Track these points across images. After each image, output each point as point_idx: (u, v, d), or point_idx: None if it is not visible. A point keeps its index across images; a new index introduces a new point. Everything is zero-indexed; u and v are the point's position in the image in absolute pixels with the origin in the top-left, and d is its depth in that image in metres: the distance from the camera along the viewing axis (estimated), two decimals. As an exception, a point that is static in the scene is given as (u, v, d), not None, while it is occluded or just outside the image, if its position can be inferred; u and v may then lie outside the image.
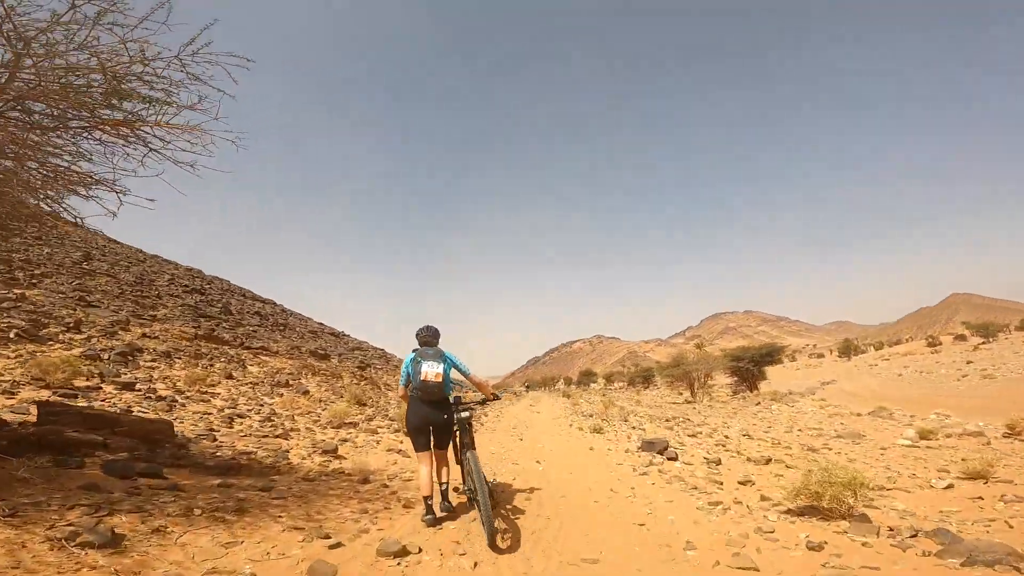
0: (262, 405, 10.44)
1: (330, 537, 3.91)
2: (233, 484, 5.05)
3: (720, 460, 7.27)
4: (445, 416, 4.69)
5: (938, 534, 3.99)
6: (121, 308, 16.23)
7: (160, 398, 8.61)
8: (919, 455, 8.53)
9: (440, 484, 4.87)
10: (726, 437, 10.28)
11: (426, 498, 4.58)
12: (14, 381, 7.35)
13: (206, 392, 10.31)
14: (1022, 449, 8.75)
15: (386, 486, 5.83)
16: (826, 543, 3.94)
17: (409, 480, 6.21)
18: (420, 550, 3.88)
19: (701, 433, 10.74)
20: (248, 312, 26.04)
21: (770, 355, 26.66)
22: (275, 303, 34.56)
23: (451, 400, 4.80)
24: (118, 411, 6.97)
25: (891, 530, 4.16)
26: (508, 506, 5.28)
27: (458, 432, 4.76)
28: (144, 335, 14.16)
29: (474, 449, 4.64)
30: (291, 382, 15.51)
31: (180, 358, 13.36)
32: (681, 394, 28.46)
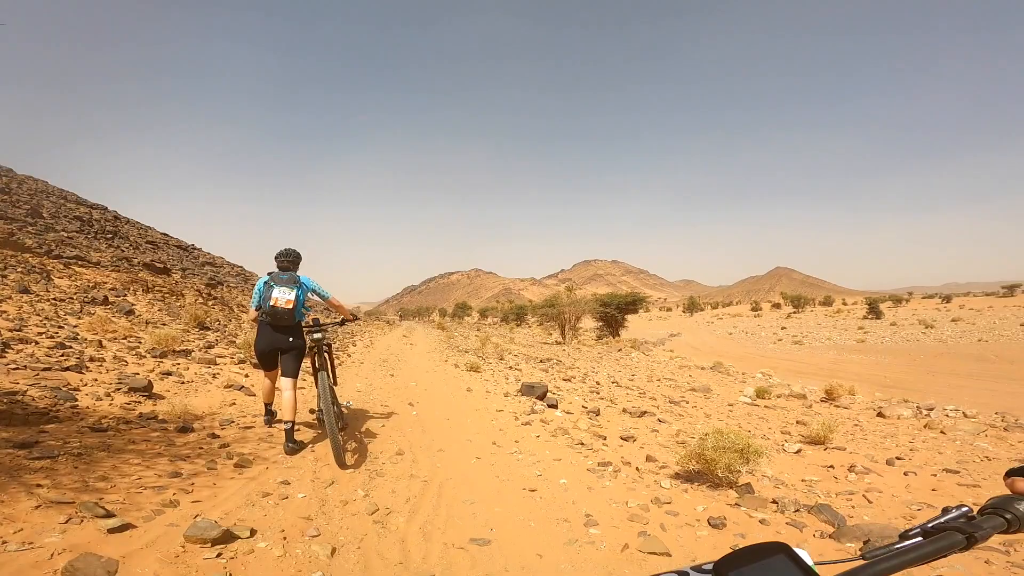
0: (61, 327, 8.19)
1: (114, 515, 2.71)
2: None
3: (599, 410, 6.97)
4: (292, 340, 4.58)
5: (821, 511, 3.85)
6: None
7: None
8: (760, 414, 8.99)
9: (285, 423, 4.48)
10: (597, 383, 10.24)
11: (267, 404, 4.83)
12: None
13: None
14: (840, 414, 9.60)
15: (215, 436, 4.55)
16: (725, 519, 3.57)
17: (250, 428, 4.98)
18: (253, 533, 2.83)
19: (575, 378, 10.61)
20: (66, 216, 21.25)
21: (634, 304, 28.25)
22: (107, 209, 28.73)
23: (303, 325, 4.73)
24: None
25: (775, 503, 3.96)
26: (378, 463, 4.36)
27: (315, 354, 4.64)
28: None
29: (327, 372, 4.58)
30: (111, 299, 12.80)
31: None
32: (551, 334, 29.31)
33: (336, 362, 7.32)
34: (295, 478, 3.80)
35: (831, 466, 5.45)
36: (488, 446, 5.05)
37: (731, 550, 0.62)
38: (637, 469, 4.65)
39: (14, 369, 5.26)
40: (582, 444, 5.27)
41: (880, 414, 9.21)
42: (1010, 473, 0.76)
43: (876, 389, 14.41)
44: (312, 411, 5.30)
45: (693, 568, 0.65)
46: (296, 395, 4.58)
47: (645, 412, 7.30)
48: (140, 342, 8.06)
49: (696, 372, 15.73)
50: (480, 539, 3.12)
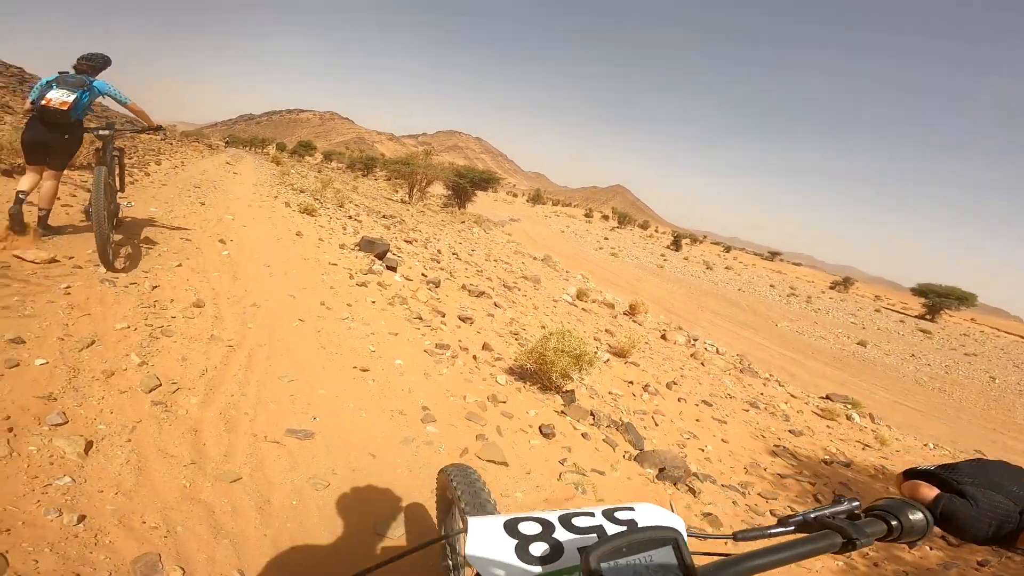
0: None
1: None
2: None
3: (439, 282, 6.50)
4: (66, 137, 4.16)
5: (628, 430, 4.04)
6: None
7: None
8: (578, 315, 9.42)
9: (41, 210, 4.17)
10: (438, 252, 9.74)
11: (20, 191, 3.99)
12: None
13: None
14: (637, 330, 10.20)
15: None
16: (554, 428, 3.48)
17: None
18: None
19: (416, 241, 9.95)
20: None
21: (488, 182, 27.67)
22: None
23: (82, 123, 4.30)
24: None
25: (592, 416, 4.04)
26: (165, 316, 3.35)
27: (98, 152, 4.07)
28: None
29: (106, 168, 3.95)
30: None
31: None
32: (397, 191, 27.66)
33: (127, 178, 5.80)
34: (36, 333, 2.66)
35: (631, 382, 5.86)
36: (315, 306, 4.29)
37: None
38: (475, 358, 4.38)
39: None
40: (420, 319, 4.80)
41: (664, 336, 10.43)
42: (909, 475, 0.67)
43: (663, 312, 16.43)
44: (86, 212, 4.67)
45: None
46: (56, 185, 4.24)
47: (483, 293, 7.07)
48: None
49: (528, 260, 16.13)
50: (301, 431, 2.54)
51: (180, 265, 4.34)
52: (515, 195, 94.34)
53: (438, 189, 28.19)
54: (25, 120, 4.18)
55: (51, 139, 4.10)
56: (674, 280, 29.04)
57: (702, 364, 8.79)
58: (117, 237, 4.60)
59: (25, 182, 4.10)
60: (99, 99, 4.36)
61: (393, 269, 6.30)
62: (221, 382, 2.77)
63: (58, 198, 4.51)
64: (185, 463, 2.10)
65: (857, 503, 0.63)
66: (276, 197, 10.05)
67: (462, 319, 5.36)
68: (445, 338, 4.56)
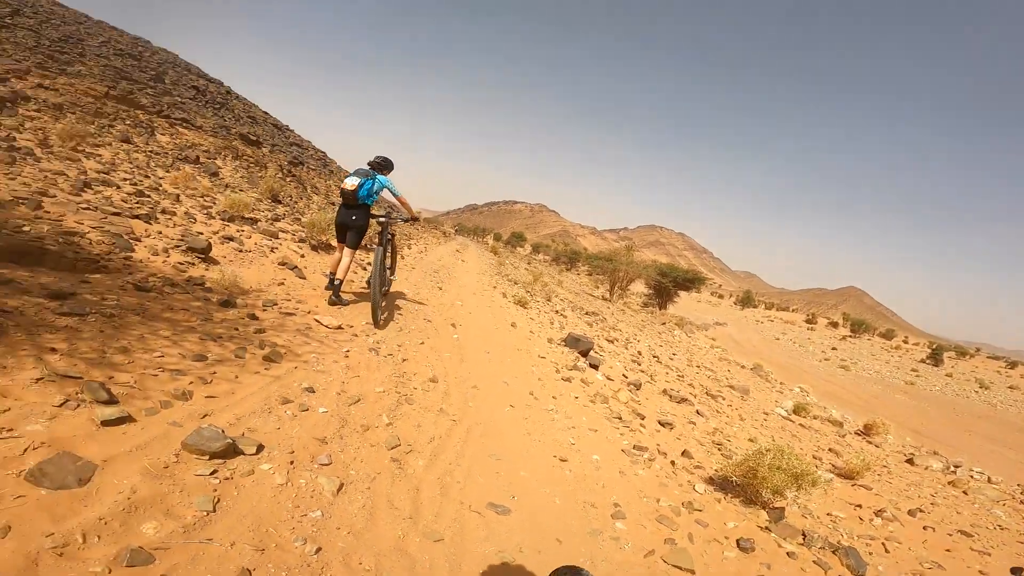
0: (147, 176, 8.19)
1: (116, 403, 2.34)
2: (13, 281, 3.23)
3: (640, 384, 6.40)
4: (355, 218, 5.40)
5: (848, 555, 3.31)
6: (27, 59, 12.49)
7: (12, 148, 6.27)
8: (794, 431, 8.20)
9: (336, 279, 5.60)
10: (639, 354, 9.59)
11: (331, 273, 5.64)
12: None
13: (81, 151, 7.89)
14: (872, 452, 8.60)
15: (254, 317, 4.27)
16: (754, 543, 3.07)
17: (291, 315, 4.69)
18: (260, 449, 2.46)
19: (617, 340, 10.00)
20: (185, 85, 21.49)
21: (692, 282, 26.77)
22: (222, 84, 29.00)
23: (369, 208, 5.55)
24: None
25: (804, 536, 3.39)
26: (409, 387, 3.99)
27: (379, 235, 5.73)
28: (40, 86, 11.03)
29: (383, 248, 5.49)
30: (203, 159, 12.93)
31: (75, 113, 10.61)
32: (598, 287, 28.48)
33: (398, 256, 7.50)
34: (321, 386, 3.46)
35: (858, 505, 4.86)
36: (524, 395, 4.62)
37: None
38: (672, 463, 4.15)
39: (84, 209, 5.13)
40: (620, 419, 4.77)
41: (910, 461, 8.33)
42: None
43: (909, 434, 13.21)
44: (367, 283, 5.98)
45: None
46: (351, 262, 5.60)
47: (685, 399, 6.68)
48: (214, 203, 7.95)
49: (735, 369, 14.73)
50: (500, 506, 2.71)
51: (423, 343, 5.15)
52: (721, 296, 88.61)
53: (639, 287, 28.24)
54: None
55: (347, 219, 5.39)
56: (929, 399, 23.28)
57: (964, 492, 6.73)
58: (383, 304, 5.96)
59: (333, 263, 5.59)
60: (381, 191, 5.58)
61: (595, 367, 6.42)
62: (443, 450, 3.14)
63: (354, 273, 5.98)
64: (404, 516, 2.40)
65: None
66: (495, 287, 11.29)
67: (662, 424, 5.14)
68: (643, 440, 4.44)
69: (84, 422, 2.17)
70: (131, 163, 8.78)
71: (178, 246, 5.23)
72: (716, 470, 4.21)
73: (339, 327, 4.74)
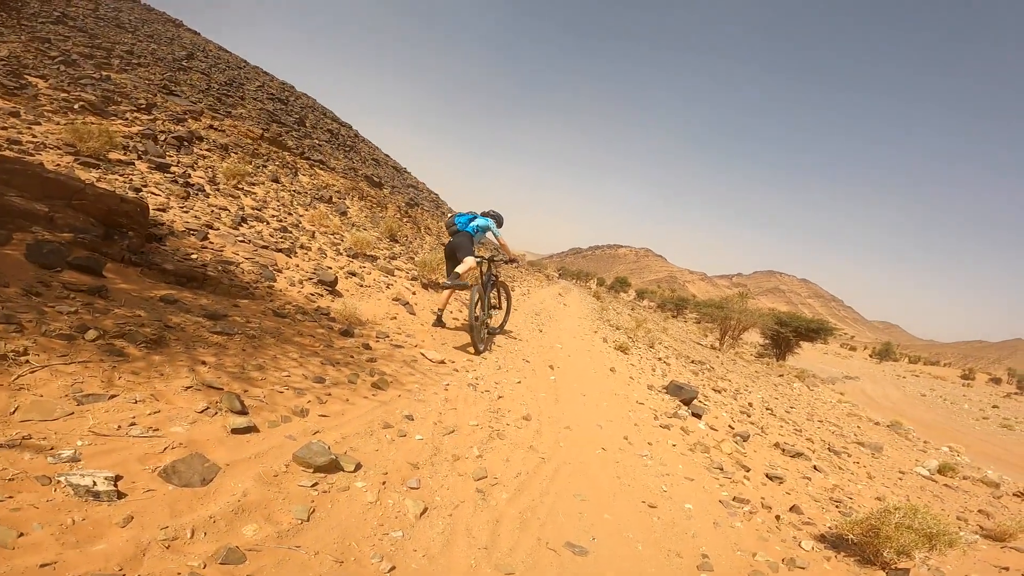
0: (290, 214, 9.39)
1: (246, 413, 2.70)
2: (179, 301, 3.85)
3: (748, 436, 5.86)
4: (456, 240, 6.13)
5: None
6: (200, 101, 15.22)
7: (187, 184, 7.59)
8: (936, 491, 6.96)
9: (438, 310, 6.54)
10: (749, 405, 8.83)
11: (439, 310, 6.45)
12: (40, 143, 6.22)
13: (241, 188, 9.29)
14: None
15: (368, 347, 4.66)
16: None
17: (400, 347, 5.04)
18: (358, 468, 2.66)
19: (725, 391, 9.30)
20: (321, 128, 24.71)
21: (817, 332, 24.23)
22: (351, 127, 32.92)
23: (471, 236, 6.19)
24: (127, 188, 5.82)
25: None
26: (503, 422, 4.07)
27: (480, 273, 6.45)
28: (210, 127, 13.29)
29: (481, 287, 6.19)
30: (335, 199, 14.56)
31: (237, 153, 12.57)
32: (707, 336, 26.84)
33: (510, 301, 7.85)
34: (420, 415, 3.67)
35: (1005, 568, 3.93)
36: (618, 439, 4.47)
37: None
38: (777, 517, 3.74)
39: (240, 241, 6.01)
40: (721, 469, 4.41)
41: None
42: None
43: None
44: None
45: None
46: (450, 294, 6.57)
47: (800, 454, 5.99)
48: (342, 240, 8.86)
49: (867, 426, 12.92)
50: (578, 546, 2.64)
51: (519, 383, 5.23)
52: (853, 348, 78.89)
53: (753, 336, 26.17)
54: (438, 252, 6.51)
55: (451, 249, 6.11)
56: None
57: None
58: (488, 337, 6.56)
59: (442, 299, 6.28)
60: (484, 231, 6.31)
61: (698, 416, 6.04)
62: (528, 486, 3.15)
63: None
64: (480, 546, 2.42)
65: None
66: (596, 332, 11.16)
67: (770, 477, 4.67)
68: (746, 493, 4.07)
69: (218, 428, 2.51)
70: (278, 201, 10.12)
71: (310, 278, 5.90)
72: (830, 527, 3.74)
73: (442, 361, 4.99)
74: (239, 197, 8.53)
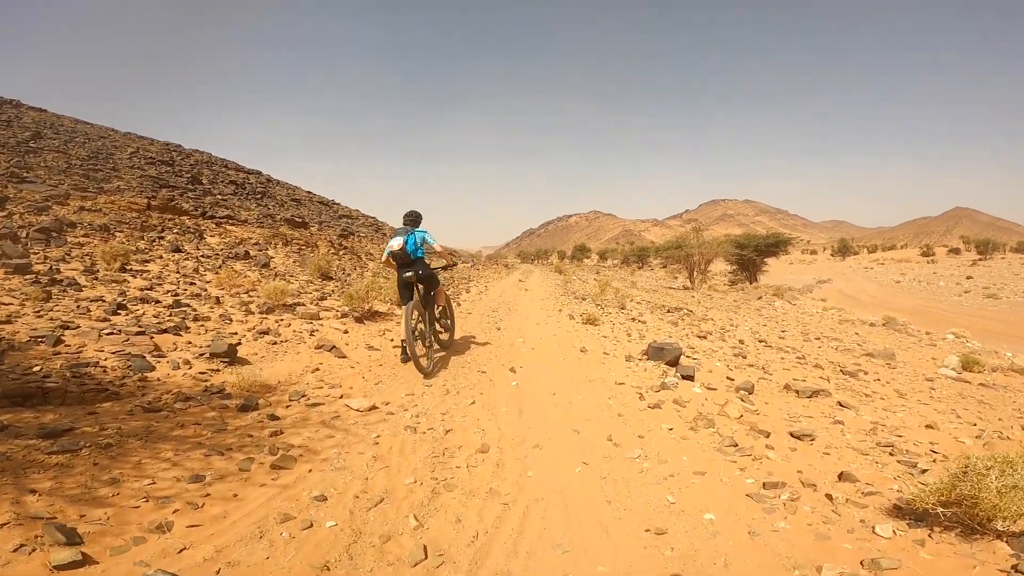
0: (193, 283, 8.30)
1: (78, 543, 2.10)
2: (10, 426, 3.05)
3: (752, 386, 5.19)
4: (420, 272, 5.56)
5: None
6: (62, 183, 13.60)
7: (53, 281, 6.48)
8: (978, 395, 6.42)
9: (438, 314, 6.23)
10: (741, 342, 8.26)
11: (403, 341, 5.41)
12: None
13: (129, 270, 8.15)
14: None
15: (274, 418, 3.74)
16: None
17: (318, 405, 4.12)
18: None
19: (711, 334, 8.71)
20: (223, 181, 23.05)
21: (776, 246, 24.29)
22: (261, 173, 31.12)
23: (422, 259, 5.66)
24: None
25: None
26: (451, 466, 3.24)
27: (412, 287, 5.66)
28: (82, 208, 11.81)
29: (422, 300, 5.75)
30: (253, 253, 13.36)
31: (122, 231, 11.21)
32: (676, 278, 26.66)
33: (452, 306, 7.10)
34: (337, 489, 2.79)
35: None
36: (601, 443, 3.66)
37: None
38: (828, 497, 2.97)
39: (109, 334, 4.94)
40: (735, 446, 3.67)
41: None
42: None
43: None
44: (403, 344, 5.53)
45: None
46: (443, 295, 6.23)
47: (818, 391, 5.34)
48: (256, 296, 7.83)
49: (864, 329, 12.70)
50: None
51: (473, 403, 4.39)
52: (813, 252, 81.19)
53: (719, 266, 26.09)
54: (385, 270, 6.14)
55: (410, 278, 5.51)
56: None
57: None
58: (438, 355, 6.10)
59: (403, 329, 5.31)
60: (423, 243, 5.69)
61: (690, 378, 5.34)
62: (488, 553, 2.34)
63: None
64: None
65: None
66: (560, 310, 10.39)
67: (796, 436, 3.95)
68: (775, 471, 3.29)
69: (37, 567, 1.97)
70: (179, 272, 8.97)
71: (202, 355, 4.88)
72: (899, 493, 3.01)
73: (372, 407, 4.10)
74: (124, 281, 7.41)
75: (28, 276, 6.65)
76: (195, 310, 6.47)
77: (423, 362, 5.25)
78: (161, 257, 10.09)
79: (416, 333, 5.29)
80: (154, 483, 2.66)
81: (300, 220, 19.93)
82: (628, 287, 19.97)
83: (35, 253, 8.03)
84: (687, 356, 6.37)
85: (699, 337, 8.28)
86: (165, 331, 5.37)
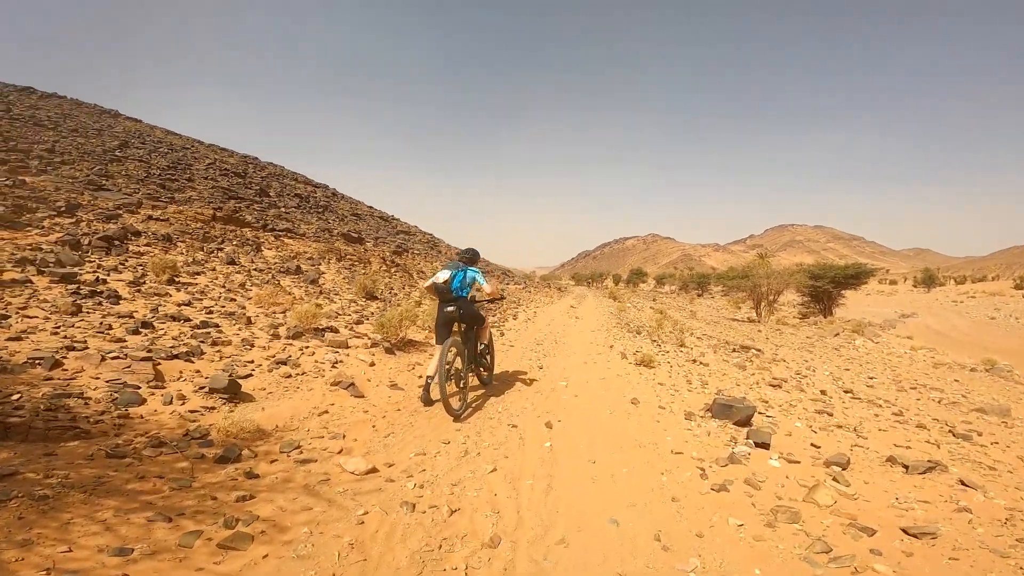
0: (234, 299, 8.06)
1: None
2: None
3: (847, 460, 4.07)
4: (462, 312, 5.18)
5: None
6: (138, 191, 14.04)
7: (93, 293, 6.35)
8: None
9: (481, 351, 5.76)
10: (823, 393, 6.98)
11: (428, 377, 5.03)
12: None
13: (177, 282, 8.03)
14: None
15: (253, 476, 3.08)
16: None
17: (309, 462, 3.46)
18: None
19: (786, 381, 7.45)
20: (288, 194, 23.71)
21: (856, 277, 21.89)
22: (328, 187, 32.04)
23: (466, 299, 5.24)
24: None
25: None
26: (447, 566, 2.44)
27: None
28: (150, 217, 12.05)
29: (462, 336, 5.33)
30: (305, 268, 13.27)
31: (184, 241, 11.31)
32: (739, 308, 24.75)
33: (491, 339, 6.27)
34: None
35: None
36: (646, 544, 2.73)
37: None
38: None
39: (114, 358, 4.55)
40: (829, 551, 2.64)
41: None
42: None
43: None
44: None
45: None
46: (486, 331, 5.78)
47: (932, 466, 4.13)
48: (287, 319, 7.43)
49: (963, 375, 10.80)
50: None
51: (494, 471, 3.56)
52: (893, 282, 74.45)
53: (790, 296, 23.93)
54: (427, 296, 5.77)
55: (450, 315, 5.15)
56: None
57: None
58: (476, 393, 5.70)
59: (431, 365, 4.98)
60: (473, 283, 5.32)
61: (766, 446, 4.28)
62: None
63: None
64: None
65: None
66: (611, 346, 9.40)
67: (911, 534, 2.88)
68: None
69: None
70: (225, 287, 8.80)
71: (201, 388, 4.37)
72: None
73: (371, 471, 3.37)
74: (166, 295, 7.23)
75: (72, 286, 6.54)
76: (221, 332, 6.09)
77: (455, 404, 4.75)
78: (214, 269, 10.00)
79: (451, 372, 4.84)
80: (70, 551, 2.12)
81: (356, 235, 20.02)
82: (687, 317, 18.54)
83: (91, 261, 8.04)
84: (761, 412, 5.27)
85: (772, 386, 7.07)
86: (176, 356, 4.94)
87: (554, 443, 4.16)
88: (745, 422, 4.81)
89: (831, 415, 5.71)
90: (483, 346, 5.83)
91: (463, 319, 5.22)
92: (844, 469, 3.98)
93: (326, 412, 4.45)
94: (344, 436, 3.98)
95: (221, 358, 5.22)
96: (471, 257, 5.55)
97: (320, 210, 23.73)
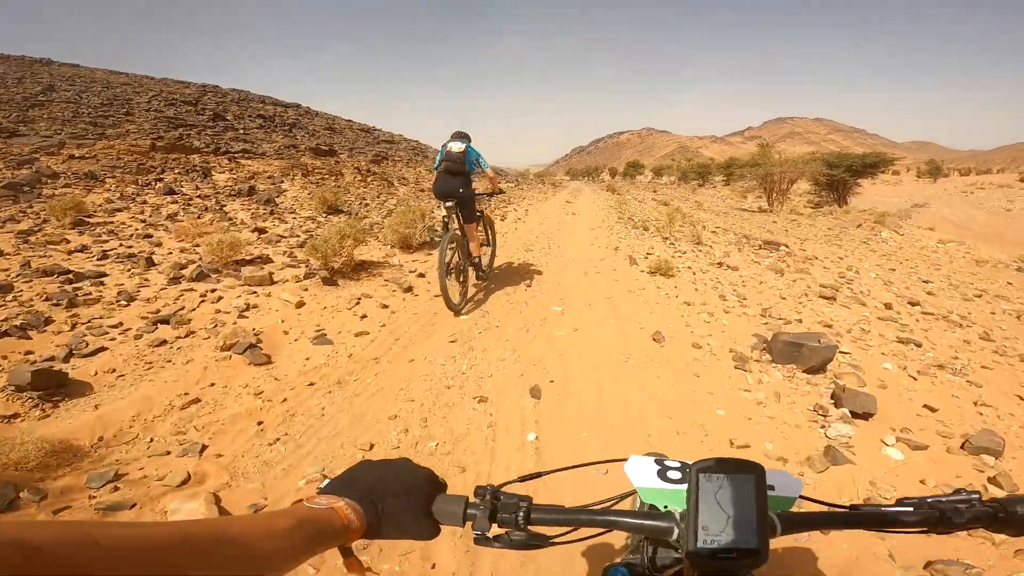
0: (150, 236, 6.39)
1: None
2: None
3: (1003, 444, 2.57)
4: (462, 190, 4.74)
5: None
6: (60, 132, 12.09)
7: None
8: None
9: (473, 257, 5.14)
10: (887, 307, 5.39)
11: (445, 297, 4.44)
12: None
13: (85, 225, 6.47)
14: None
15: None
16: None
17: (124, 506, 1.96)
18: None
19: (838, 292, 5.81)
20: (249, 116, 20.91)
21: (875, 166, 19.65)
22: (299, 106, 28.57)
23: (470, 177, 4.90)
24: None
25: None
26: None
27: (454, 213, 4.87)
28: (72, 156, 10.30)
29: (460, 232, 4.81)
30: (262, 188, 11.42)
31: (114, 177, 9.62)
32: (745, 197, 22.71)
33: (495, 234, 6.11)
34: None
35: None
36: None
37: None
38: None
39: None
40: None
41: None
42: None
43: None
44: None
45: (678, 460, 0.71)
46: (475, 233, 5.10)
47: None
48: (200, 256, 5.70)
49: (1012, 275, 9.05)
50: None
51: (463, 470, 2.05)
52: (896, 173, 70.57)
53: (801, 186, 21.72)
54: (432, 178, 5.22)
55: (453, 189, 4.68)
56: None
57: None
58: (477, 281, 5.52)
59: (440, 286, 4.36)
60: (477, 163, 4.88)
61: (868, 415, 2.73)
62: None
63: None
64: None
65: (977, 495, 0.62)
66: (617, 248, 7.69)
67: None
68: None
69: None
70: (147, 222, 7.12)
71: (6, 387, 2.78)
72: None
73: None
74: (62, 241, 5.58)
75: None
76: (102, 284, 4.43)
77: (455, 298, 4.57)
78: (145, 203, 8.30)
79: (451, 267, 4.56)
80: None
81: (327, 148, 17.65)
82: (694, 208, 16.65)
83: (-10, 213, 6.39)
84: (844, 361, 3.67)
85: (824, 298, 5.47)
86: (5, 333, 3.31)
87: (542, 433, 2.60)
88: (820, 367, 3.26)
89: (919, 345, 4.15)
90: (481, 237, 5.47)
91: (461, 203, 4.75)
92: (998, 458, 2.49)
93: (197, 400, 2.86)
94: (206, 447, 2.44)
95: (73, 326, 3.58)
96: (464, 135, 5.07)
97: (287, 128, 21.04)
